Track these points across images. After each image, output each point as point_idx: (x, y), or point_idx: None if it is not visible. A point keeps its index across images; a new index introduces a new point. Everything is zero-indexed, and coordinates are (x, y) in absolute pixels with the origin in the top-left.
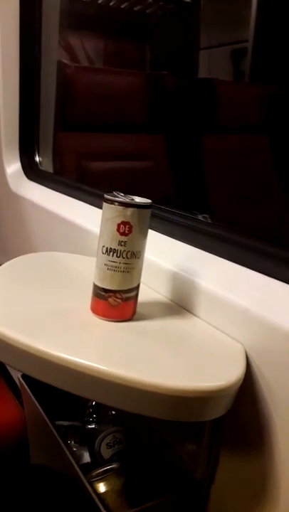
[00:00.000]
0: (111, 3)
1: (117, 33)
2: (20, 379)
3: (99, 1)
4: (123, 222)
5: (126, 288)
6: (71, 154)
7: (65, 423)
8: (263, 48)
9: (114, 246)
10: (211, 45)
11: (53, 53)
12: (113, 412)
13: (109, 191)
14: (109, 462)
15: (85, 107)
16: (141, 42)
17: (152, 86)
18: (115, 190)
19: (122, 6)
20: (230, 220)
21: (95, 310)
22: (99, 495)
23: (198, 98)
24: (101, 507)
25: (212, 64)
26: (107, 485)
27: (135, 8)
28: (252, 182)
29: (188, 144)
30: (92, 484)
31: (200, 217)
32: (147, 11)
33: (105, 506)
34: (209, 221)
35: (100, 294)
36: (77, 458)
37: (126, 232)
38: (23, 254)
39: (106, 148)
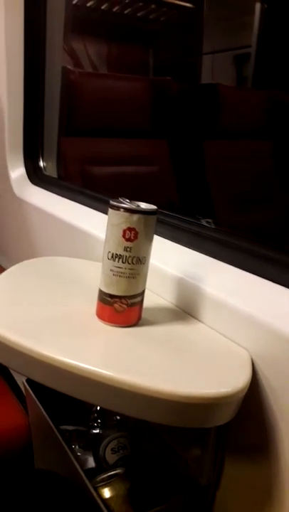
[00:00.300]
0: (114, 9)
1: (120, 38)
2: (25, 383)
3: (102, 7)
4: (129, 228)
5: (131, 294)
6: (75, 159)
7: (70, 428)
8: (266, 54)
9: (120, 252)
10: (214, 51)
11: (57, 59)
12: (118, 417)
13: (112, 196)
14: (114, 467)
15: (89, 112)
16: (144, 47)
17: (156, 91)
18: (119, 195)
19: (126, 12)
20: (233, 225)
21: (100, 315)
22: (104, 500)
23: (202, 103)
24: None
25: (215, 69)
26: (112, 490)
27: (138, 14)
28: (256, 187)
29: (192, 148)
30: (97, 489)
31: (203, 221)
32: (150, 17)
33: None
34: (213, 226)
35: (106, 299)
36: (82, 463)
37: (132, 238)
38: (26, 258)
39: (110, 154)
